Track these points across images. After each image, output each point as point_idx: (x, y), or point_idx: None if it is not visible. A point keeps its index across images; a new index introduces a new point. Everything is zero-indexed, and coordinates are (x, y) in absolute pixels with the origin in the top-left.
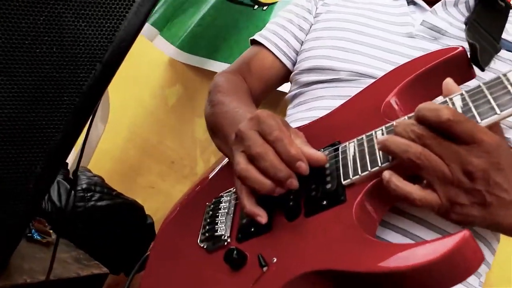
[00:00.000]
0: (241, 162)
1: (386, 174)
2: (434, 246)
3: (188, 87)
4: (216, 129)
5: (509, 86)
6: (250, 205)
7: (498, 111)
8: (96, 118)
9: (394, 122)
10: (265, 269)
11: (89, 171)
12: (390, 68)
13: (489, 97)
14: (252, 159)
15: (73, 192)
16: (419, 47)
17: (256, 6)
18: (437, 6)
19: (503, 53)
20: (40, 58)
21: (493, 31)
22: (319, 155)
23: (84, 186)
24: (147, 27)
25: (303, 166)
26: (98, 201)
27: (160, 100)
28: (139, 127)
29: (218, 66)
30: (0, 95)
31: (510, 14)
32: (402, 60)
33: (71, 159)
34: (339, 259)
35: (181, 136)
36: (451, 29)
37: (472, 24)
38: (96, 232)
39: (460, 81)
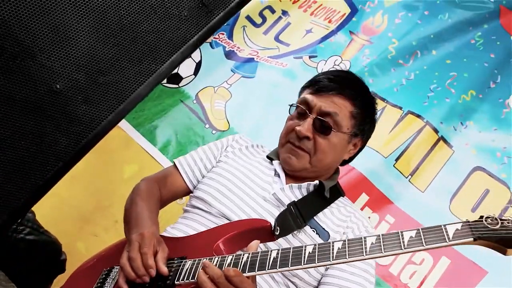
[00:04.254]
0: (124, 257)
1: None
2: None
3: (142, 167)
4: (126, 221)
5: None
6: (121, 283)
7: (256, 270)
8: None
9: (206, 260)
10: None
11: None
12: (244, 216)
13: (257, 263)
14: (128, 258)
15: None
16: (266, 208)
17: (207, 125)
18: (287, 186)
19: (308, 228)
20: None
21: (307, 213)
22: (164, 270)
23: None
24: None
25: (152, 272)
26: (27, 235)
27: (119, 173)
28: (96, 187)
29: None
30: None
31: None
32: (253, 214)
33: None
34: None
35: None
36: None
37: (290, 206)
38: (18, 259)
39: (263, 241)
